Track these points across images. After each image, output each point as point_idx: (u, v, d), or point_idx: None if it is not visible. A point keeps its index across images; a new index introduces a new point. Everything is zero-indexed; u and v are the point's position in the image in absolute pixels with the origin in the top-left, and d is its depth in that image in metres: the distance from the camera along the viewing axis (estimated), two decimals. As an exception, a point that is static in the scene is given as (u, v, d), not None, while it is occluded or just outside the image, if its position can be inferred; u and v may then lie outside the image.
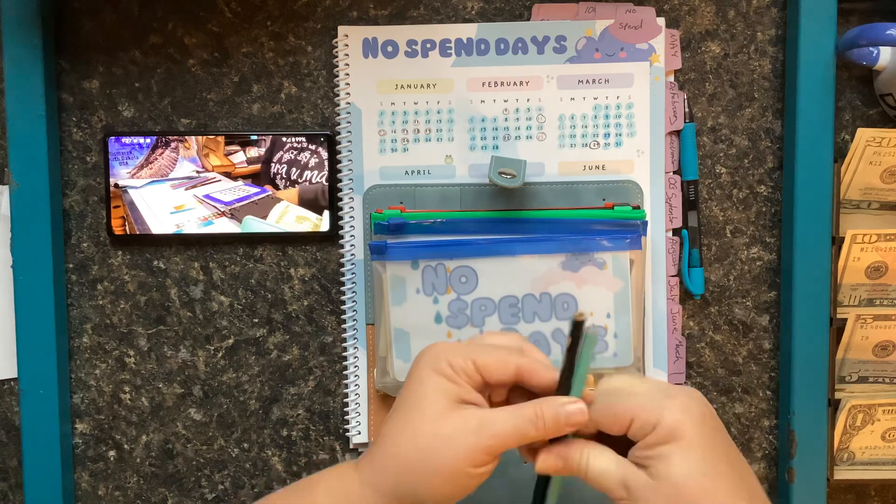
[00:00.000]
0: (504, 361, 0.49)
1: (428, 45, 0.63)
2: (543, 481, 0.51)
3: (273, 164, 0.63)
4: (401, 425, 0.48)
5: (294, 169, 0.63)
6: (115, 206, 0.63)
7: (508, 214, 0.62)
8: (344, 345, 0.64)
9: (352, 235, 0.63)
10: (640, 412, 0.46)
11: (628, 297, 0.61)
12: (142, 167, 0.63)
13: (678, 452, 0.45)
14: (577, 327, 0.46)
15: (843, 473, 0.64)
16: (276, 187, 0.63)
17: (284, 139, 0.63)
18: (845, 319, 0.62)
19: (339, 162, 0.63)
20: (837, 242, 0.61)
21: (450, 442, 0.48)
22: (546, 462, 0.49)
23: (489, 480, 0.63)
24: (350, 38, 0.63)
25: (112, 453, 0.65)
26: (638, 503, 0.45)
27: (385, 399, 0.63)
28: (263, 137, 0.63)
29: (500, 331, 0.61)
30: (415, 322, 0.62)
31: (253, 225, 0.63)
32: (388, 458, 0.48)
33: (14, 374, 0.64)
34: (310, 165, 0.63)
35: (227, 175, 0.63)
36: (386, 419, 0.50)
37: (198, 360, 0.65)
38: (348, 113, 0.63)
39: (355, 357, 0.64)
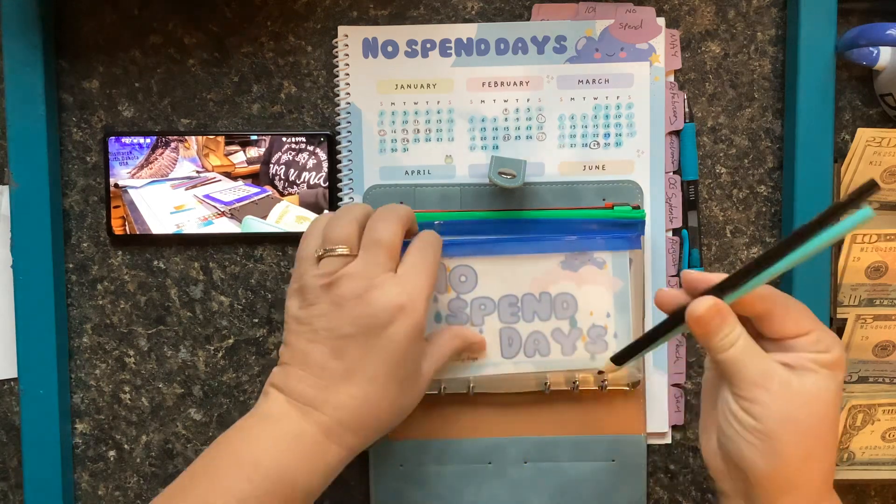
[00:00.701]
0: (437, 260, 0.55)
1: (428, 45, 0.63)
2: (667, 326, 0.53)
3: (272, 165, 0.63)
4: (391, 397, 0.52)
5: (293, 169, 0.63)
6: (115, 206, 0.63)
7: (508, 214, 0.62)
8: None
9: (352, 235, 0.63)
10: (822, 332, 0.49)
11: (628, 296, 0.61)
12: (142, 167, 0.63)
13: (835, 380, 0.48)
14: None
15: (843, 473, 0.64)
16: (276, 187, 0.63)
17: (284, 139, 0.63)
18: (845, 319, 0.62)
19: (339, 162, 0.63)
20: (837, 242, 0.61)
21: (423, 374, 0.55)
22: (703, 307, 0.49)
23: (489, 480, 0.64)
24: (350, 38, 0.63)
25: (112, 453, 0.65)
26: (766, 399, 0.47)
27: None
28: (263, 137, 0.63)
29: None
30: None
31: (253, 225, 0.63)
32: (372, 423, 0.52)
33: (14, 374, 0.64)
34: (309, 166, 0.63)
35: (227, 175, 0.63)
36: (359, 370, 0.51)
37: (198, 360, 0.65)
38: (348, 113, 0.63)
39: (355, 357, 0.64)
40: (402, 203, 0.61)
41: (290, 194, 0.63)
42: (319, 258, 0.53)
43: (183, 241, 0.64)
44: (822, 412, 0.47)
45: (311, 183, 0.63)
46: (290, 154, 0.63)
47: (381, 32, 0.63)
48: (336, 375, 0.51)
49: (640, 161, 0.63)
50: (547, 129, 0.63)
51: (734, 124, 0.64)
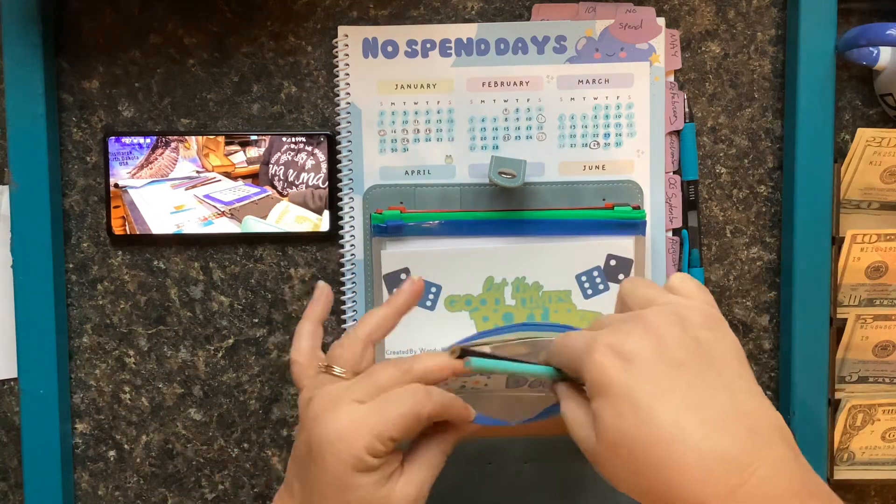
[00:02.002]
0: (416, 420, 0.47)
1: (428, 45, 0.63)
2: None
3: (272, 165, 0.63)
4: None
5: (293, 169, 0.63)
6: (115, 206, 0.63)
7: (508, 215, 0.62)
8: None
9: (352, 235, 0.63)
10: (572, 367, 0.44)
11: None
12: (142, 167, 0.63)
13: (606, 408, 0.41)
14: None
15: (843, 473, 0.64)
16: (276, 188, 0.63)
17: (284, 139, 0.63)
18: (845, 319, 0.62)
19: (339, 162, 0.63)
20: (837, 242, 0.61)
21: None
22: (555, 393, 0.47)
23: (489, 480, 0.64)
24: (350, 38, 0.63)
25: (112, 453, 0.65)
26: (595, 458, 0.42)
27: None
28: (263, 137, 0.63)
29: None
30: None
31: (253, 225, 0.63)
32: None
33: (14, 374, 0.64)
34: (309, 166, 0.63)
35: (227, 175, 0.63)
36: None
37: (198, 360, 0.65)
38: (348, 113, 0.63)
39: (355, 357, 0.64)
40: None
41: (287, 195, 0.63)
42: (319, 369, 0.50)
43: (183, 241, 0.64)
44: (629, 436, 0.40)
45: (311, 183, 0.63)
46: (290, 154, 0.63)
47: (381, 32, 0.63)
48: (297, 501, 0.49)
49: (640, 161, 0.63)
50: (547, 129, 0.63)
51: (734, 124, 0.64)
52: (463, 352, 0.47)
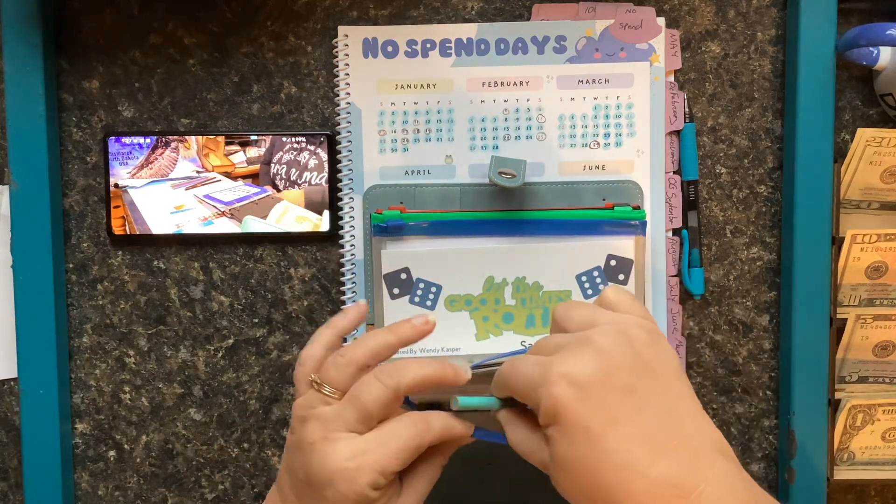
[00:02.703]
0: (415, 451, 0.48)
1: (428, 45, 0.63)
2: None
3: (273, 165, 0.63)
4: None
5: (294, 169, 0.63)
6: (115, 206, 0.63)
7: (508, 215, 0.62)
8: (344, 345, 0.64)
9: (352, 235, 0.63)
10: (524, 396, 0.44)
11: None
12: (142, 167, 0.63)
13: (559, 435, 0.42)
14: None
15: (843, 473, 0.64)
16: (276, 188, 0.63)
17: (284, 139, 0.63)
18: (845, 319, 0.62)
19: (339, 162, 0.63)
20: (837, 242, 0.61)
21: None
22: (499, 422, 0.49)
23: (489, 480, 0.64)
24: (350, 38, 0.63)
25: (112, 453, 0.65)
26: (552, 479, 0.44)
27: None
28: (263, 137, 0.63)
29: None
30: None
31: (253, 225, 0.63)
32: None
33: (14, 374, 0.64)
34: (310, 166, 0.63)
35: (227, 175, 0.63)
36: None
37: (198, 360, 0.65)
38: (348, 113, 0.63)
39: (355, 357, 0.64)
40: (423, 318, 0.53)
41: (290, 187, 0.63)
42: (311, 383, 0.50)
43: (183, 241, 0.64)
44: (581, 464, 0.42)
45: (312, 183, 0.63)
46: (292, 153, 0.63)
47: (381, 32, 0.63)
48: None
49: (640, 161, 0.63)
50: (547, 129, 0.63)
51: (734, 124, 0.64)
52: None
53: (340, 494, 0.46)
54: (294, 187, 0.63)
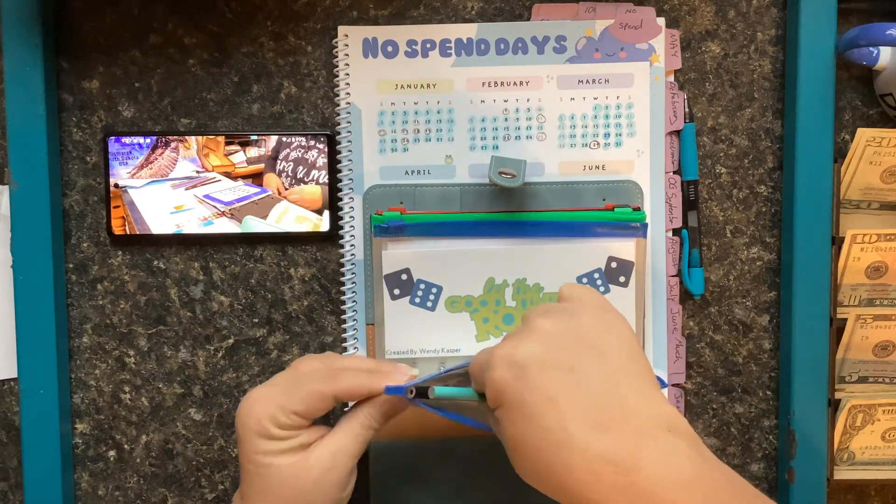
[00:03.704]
0: (319, 396, 0.51)
1: (428, 45, 0.63)
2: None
3: (281, 161, 0.63)
4: (265, 495, 0.51)
5: (302, 167, 0.63)
6: (115, 206, 0.63)
7: (508, 215, 0.62)
8: (344, 345, 0.64)
9: (352, 235, 0.63)
10: (478, 384, 0.46)
11: (631, 298, 0.61)
12: (142, 167, 0.63)
13: (503, 416, 0.44)
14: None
15: (843, 473, 0.64)
16: (283, 185, 0.63)
17: (284, 139, 0.63)
18: (845, 319, 0.62)
19: (339, 162, 0.63)
20: (837, 242, 0.61)
21: (319, 488, 0.51)
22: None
23: (487, 480, 0.64)
24: (350, 38, 0.63)
25: (112, 453, 0.65)
26: (510, 458, 0.45)
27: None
28: (263, 137, 0.63)
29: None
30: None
31: (253, 225, 0.63)
32: None
33: (14, 374, 0.64)
34: (309, 165, 0.63)
35: (227, 175, 0.63)
36: (244, 489, 0.52)
37: (198, 360, 0.65)
38: (348, 113, 0.63)
39: (355, 357, 0.64)
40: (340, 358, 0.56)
41: (291, 187, 0.63)
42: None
43: (183, 241, 0.64)
44: (522, 445, 0.43)
45: (312, 182, 0.63)
46: (300, 151, 0.63)
47: (381, 32, 0.63)
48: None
49: (640, 161, 0.63)
50: (547, 129, 0.63)
51: (734, 124, 0.64)
52: (418, 391, 0.51)
53: (246, 429, 0.50)
54: (301, 185, 0.63)
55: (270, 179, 0.63)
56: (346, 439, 0.52)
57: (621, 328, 0.46)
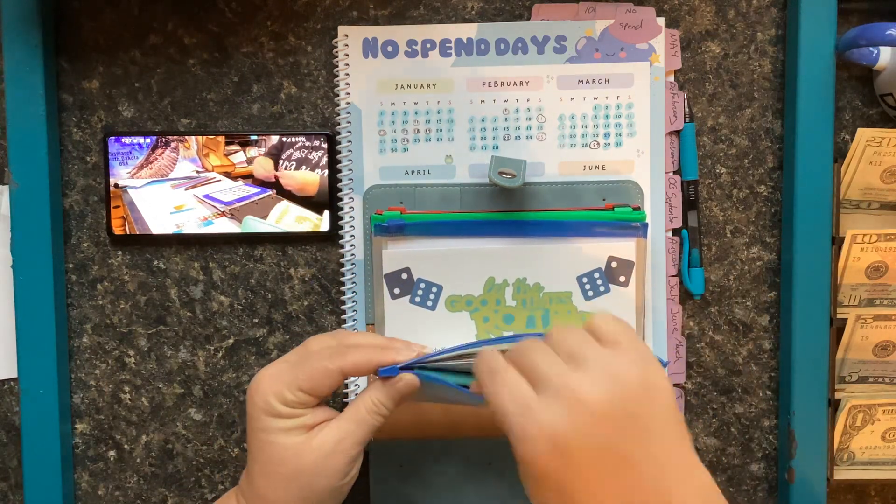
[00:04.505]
0: (326, 372, 0.51)
1: (428, 45, 0.63)
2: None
3: (283, 161, 0.63)
4: (267, 472, 0.51)
5: (305, 167, 0.63)
6: (115, 206, 0.63)
7: (508, 215, 0.62)
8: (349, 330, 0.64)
9: (352, 235, 0.63)
10: (499, 422, 0.45)
11: (631, 297, 0.61)
12: (142, 167, 0.63)
13: (533, 481, 0.43)
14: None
15: (843, 473, 0.64)
16: (282, 185, 0.63)
17: (284, 139, 0.63)
18: (845, 319, 0.62)
19: (339, 162, 0.63)
20: (837, 242, 0.61)
21: (319, 471, 0.51)
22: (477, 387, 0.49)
23: (489, 480, 0.64)
24: (350, 38, 0.63)
25: (112, 453, 0.65)
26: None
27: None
28: (263, 137, 0.63)
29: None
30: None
31: (253, 225, 0.63)
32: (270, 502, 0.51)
33: (14, 374, 0.64)
34: (309, 165, 0.63)
35: (227, 175, 0.63)
36: (249, 465, 0.53)
37: (198, 360, 0.65)
38: (348, 113, 0.63)
39: (355, 357, 0.64)
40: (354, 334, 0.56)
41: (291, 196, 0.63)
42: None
43: (183, 241, 0.64)
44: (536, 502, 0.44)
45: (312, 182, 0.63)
46: (300, 152, 0.63)
47: (381, 32, 0.63)
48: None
49: (640, 161, 0.63)
50: (547, 129, 0.63)
51: (734, 124, 0.64)
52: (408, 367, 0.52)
53: (253, 405, 0.51)
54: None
55: (262, 162, 0.63)
56: (351, 425, 0.52)
57: (662, 385, 0.44)
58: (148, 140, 0.63)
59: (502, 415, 0.44)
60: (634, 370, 0.44)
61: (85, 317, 0.65)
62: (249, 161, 0.63)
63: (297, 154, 0.63)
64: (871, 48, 0.60)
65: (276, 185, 0.63)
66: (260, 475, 0.51)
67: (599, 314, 0.47)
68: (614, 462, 0.42)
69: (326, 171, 0.63)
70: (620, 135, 0.63)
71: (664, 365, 0.53)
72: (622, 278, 0.62)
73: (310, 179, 0.63)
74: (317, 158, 0.63)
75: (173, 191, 0.63)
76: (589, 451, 0.42)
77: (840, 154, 0.62)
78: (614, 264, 0.62)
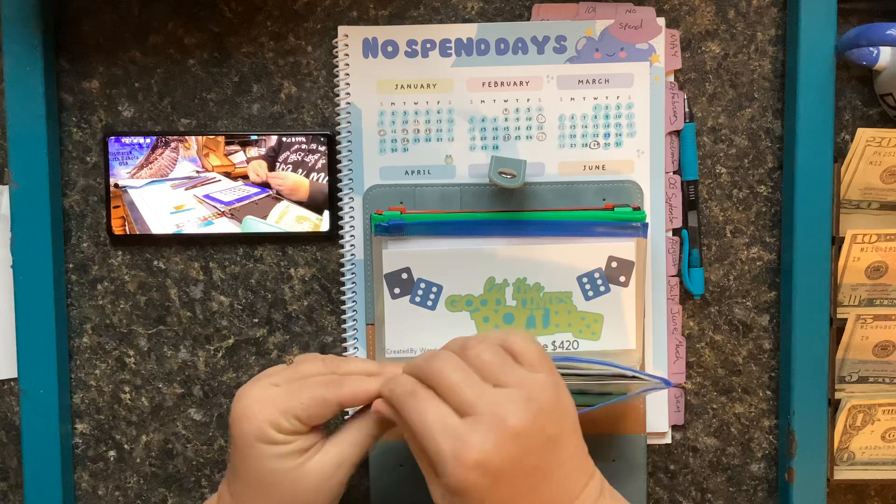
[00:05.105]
0: (324, 403, 0.50)
1: (428, 45, 0.63)
2: None
3: (280, 164, 0.63)
4: (257, 494, 0.50)
5: (302, 169, 0.63)
6: (115, 206, 0.63)
7: (508, 215, 0.62)
8: (344, 345, 0.64)
9: (352, 235, 0.63)
10: (425, 449, 0.46)
11: (631, 298, 0.61)
12: (142, 167, 0.63)
13: (448, 501, 0.46)
14: None
15: (843, 473, 0.64)
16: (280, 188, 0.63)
17: (284, 139, 0.63)
18: (845, 319, 0.62)
19: (339, 162, 0.63)
20: (837, 242, 0.61)
21: (315, 495, 0.51)
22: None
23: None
24: (350, 38, 0.63)
25: (112, 453, 0.65)
26: None
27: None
28: (263, 137, 0.63)
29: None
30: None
31: (253, 225, 0.63)
32: None
33: (14, 374, 0.64)
34: (309, 165, 0.63)
35: (227, 175, 0.63)
36: (236, 485, 0.52)
37: (198, 360, 0.65)
38: (348, 113, 0.63)
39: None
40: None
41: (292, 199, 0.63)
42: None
43: (183, 241, 0.64)
44: None
45: (313, 182, 0.63)
46: (300, 152, 0.63)
47: (381, 32, 0.63)
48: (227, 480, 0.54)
49: (640, 161, 0.63)
50: (547, 129, 0.63)
51: (734, 124, 0.64)
52: None
53: (243, 431, 0.50)
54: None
55: (255, 167, 0.63)
56: (349, 449, 0.52)
57: (569, 402, 0.48)
58: (148, 140, 0.63)
59: (427, 439, 0.46)
60: (550, 391, 0.47)
61: (85, 317, 0.65)
62: (249, 162, 0.63)
63: (293, 157, 0.63)
64: (871, 48, 0.60)
65: (269, 188, 0.63)
66: (249, 496, 0.51)
67: (514, 331, 0.50)
68: (536, 477, 0.45)
69: (322, 174, 0.63)
70: (620, 135, 0.63)
71: (667, 385, 0.55)
72: (622, 278, 0.62)
73: (301, 183, 0.63)
74: (313, 161, 0.63)
75: (173, 191, 0.63)
76: (513, 471, 0.45)
77: (840, 154, 0.62)
78: (614, 264, 0.62)
